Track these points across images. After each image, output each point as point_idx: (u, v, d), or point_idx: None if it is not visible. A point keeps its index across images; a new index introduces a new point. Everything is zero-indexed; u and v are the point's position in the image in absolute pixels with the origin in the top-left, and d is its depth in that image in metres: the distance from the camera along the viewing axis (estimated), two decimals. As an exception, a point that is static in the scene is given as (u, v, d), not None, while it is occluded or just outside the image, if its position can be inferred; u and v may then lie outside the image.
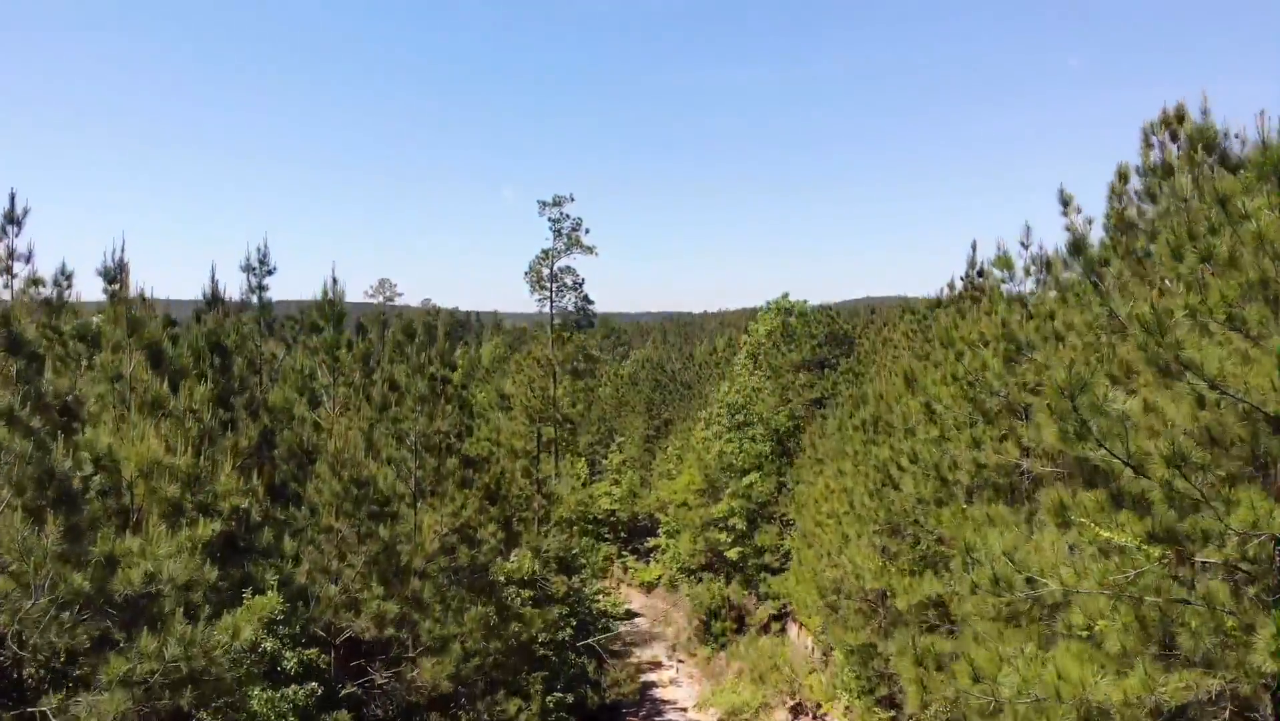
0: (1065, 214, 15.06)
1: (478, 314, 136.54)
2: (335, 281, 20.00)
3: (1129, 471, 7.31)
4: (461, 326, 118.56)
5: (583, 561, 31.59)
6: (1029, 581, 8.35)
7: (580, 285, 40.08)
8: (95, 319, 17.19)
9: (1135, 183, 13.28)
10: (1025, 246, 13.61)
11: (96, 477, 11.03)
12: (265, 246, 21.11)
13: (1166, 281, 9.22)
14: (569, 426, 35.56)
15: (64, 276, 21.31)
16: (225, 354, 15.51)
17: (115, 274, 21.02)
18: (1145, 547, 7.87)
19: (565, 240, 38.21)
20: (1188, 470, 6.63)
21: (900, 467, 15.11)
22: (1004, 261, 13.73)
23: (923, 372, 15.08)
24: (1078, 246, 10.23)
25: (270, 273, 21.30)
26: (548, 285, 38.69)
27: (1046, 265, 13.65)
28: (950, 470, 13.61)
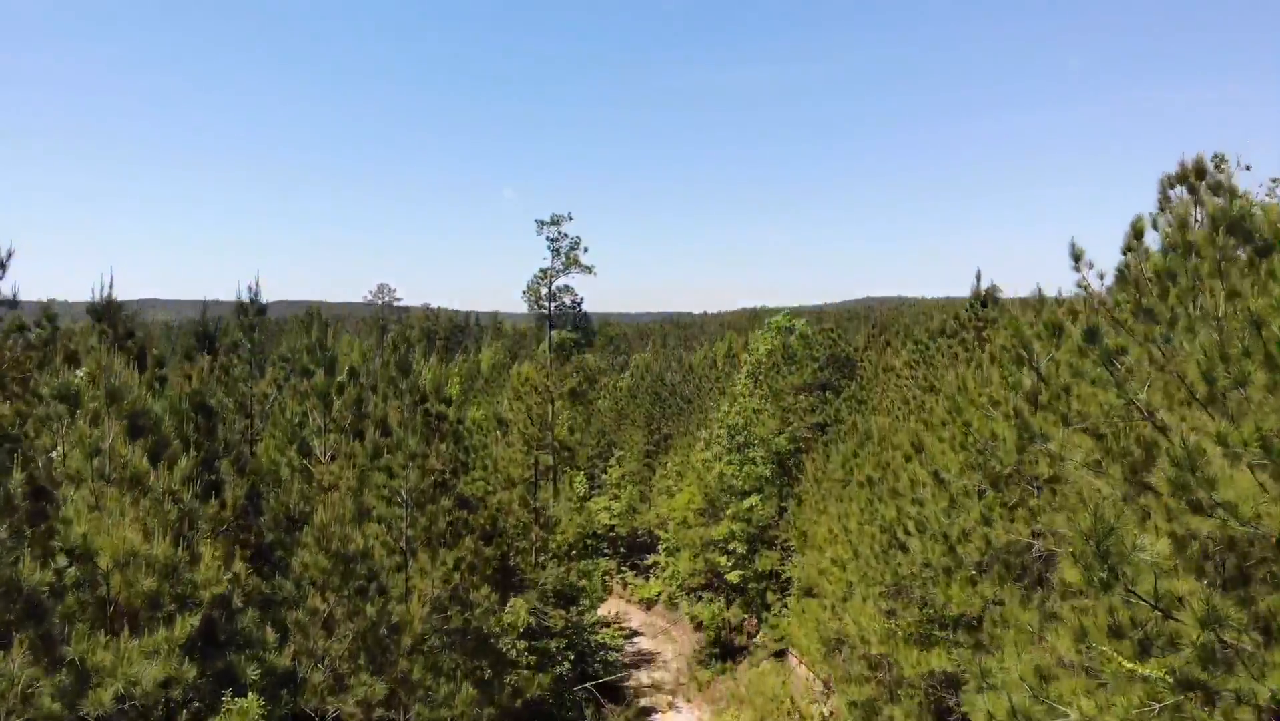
0: (1077, 268, 14.50)
1: (477, 316, 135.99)
2: (327, 325, 19.56)
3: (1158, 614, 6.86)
4: (461, 331, 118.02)
5: (582, 585, 31.09)
6: (1049, 710, 7.92)
7: (579, 304, 39.56)
8: (79, 373, 16.68)
9: (1151, 236, 12.80)
10: (1036, 312, 13.12)
11: (71, 570, 10.62)
12: (256, 286, 20.62)
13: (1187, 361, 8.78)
14: (567, 454, 35.12)
15: (47, 319, 20.85)
16: (210, 414, 15.03)
17: (103, 311, 20.57)
18: (1169, 681, 7.46)
19: (563, 260, 37.72)
20: (1221, 630, 6.18)
21: (907, 532, 14.66)
22: (1014, 326, 13.24)
23: (928, 435, 14.63)
24: (1093, 335, 9.75)
25: (261, 312, 20.80)
26: (545, 305, 38.21)
27: (1058, 330, 13.16)
28: (960, 542, 13.16)
